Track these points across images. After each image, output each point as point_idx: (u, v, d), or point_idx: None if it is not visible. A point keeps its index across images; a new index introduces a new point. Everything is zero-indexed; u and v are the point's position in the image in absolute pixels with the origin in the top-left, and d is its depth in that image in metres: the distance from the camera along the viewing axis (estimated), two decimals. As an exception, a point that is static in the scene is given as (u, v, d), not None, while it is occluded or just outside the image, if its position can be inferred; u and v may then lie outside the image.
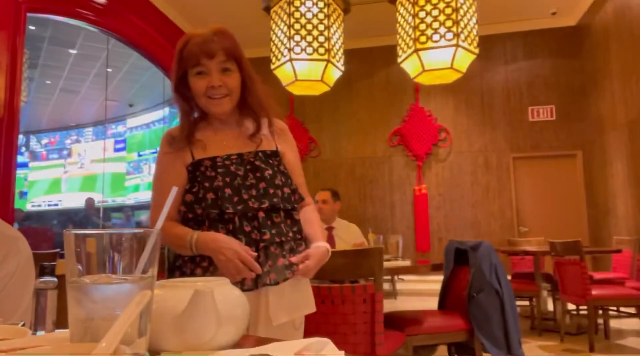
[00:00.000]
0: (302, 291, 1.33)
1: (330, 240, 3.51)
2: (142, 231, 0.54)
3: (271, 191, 1.27)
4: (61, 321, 0.66)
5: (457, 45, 3.94)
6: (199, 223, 1.26)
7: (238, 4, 5.97)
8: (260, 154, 1.33)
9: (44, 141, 11.30)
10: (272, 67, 4.52)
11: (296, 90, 4.65)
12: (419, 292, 6.12)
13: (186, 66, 1.27)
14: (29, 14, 3.90)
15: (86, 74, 8.21)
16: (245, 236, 1.23)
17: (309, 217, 1.41)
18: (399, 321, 2.47)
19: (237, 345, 0.64)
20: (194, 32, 1.30)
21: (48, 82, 8.74)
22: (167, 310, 0.58)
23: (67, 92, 9.07)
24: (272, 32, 4.55)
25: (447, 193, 7.06)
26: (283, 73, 4.44)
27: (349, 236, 3.55)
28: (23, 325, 0.63)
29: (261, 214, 1.25)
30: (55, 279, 0.73)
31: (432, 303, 3.09)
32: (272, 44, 4.54)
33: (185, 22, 6.36)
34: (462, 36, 3.97)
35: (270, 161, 1.33)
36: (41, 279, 0.71)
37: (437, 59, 4.01)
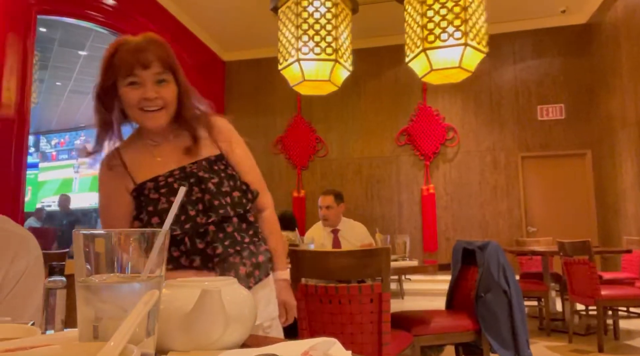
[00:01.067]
0: (268, 294, 1.30)
1: (336, 242, 3.51)
2: (150, 230, 0.54)
3: (216, 202, 1.20)
4: (71, 321, 0.67)
5: (465, 44, 3.92)
6: None
7: (246, 5, 5.99)
8: (204, 162, 1.25)
9: (54, 141, 11.40)
10: (280, 67, 4.53)
11: (304, 90, 4.65)
12: (426, 292, 6.10)
13: (117, 74, 1.19)
14: (39, 16, 3.94)
15: (95, 75, 8.27)
16: (199, 254, 1.19)
17: (268, 229, 1.36)
18: (406, 321, 2.46)
19: (244, 344, 0.64)
20: (124, 38, 1.22)
21: (58, 83, 8.82)
22: (175, 309, 0.58)
23: (76, 93, 9.14)
24: (280, 33, 4.56)
25: (454, 192, 7.03)
26: (291, 73, 4.45)
27: (355, 236, 3.55)
28: (33, 324, 0.64)
29: (212, 228, 1.20)
30: (64, 278, 0.74)
31: (440, 303, 3.08)
32: (280, 44, 4.55)
33: (193, 23, 6.39)
34: (471, 35, 3.95)
35: (216, 167, 1.26)
36: (50, 279, 0.72)
37: (445, 58, 3.99)
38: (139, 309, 0.46)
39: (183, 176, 1.23)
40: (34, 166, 10.51)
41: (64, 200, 8.63)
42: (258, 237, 1.31)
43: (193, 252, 1.18)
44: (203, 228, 1.19)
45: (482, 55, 4.12)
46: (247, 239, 1.26)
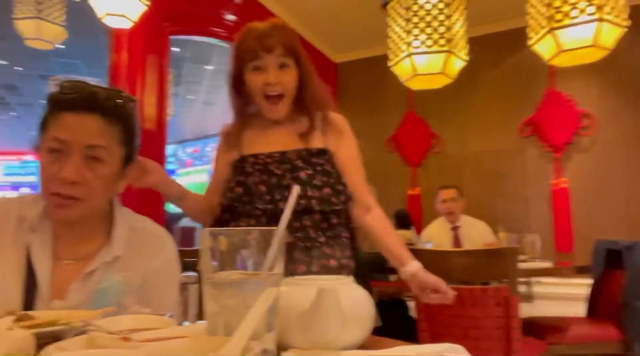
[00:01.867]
0: None
1: (456, 240, 3.37)
2: (268, 229, 0.56)
3: (303, 193, 1.20)
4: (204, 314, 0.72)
5: (600, 20, 3.48)
6: (228, 213, 1.28)
7: (355, 5, 6.03)
8: (304, 152, 1.26)
9: (189, 149, 12.67)
10: (390, 64, 4.47)
11: (416, 85, 4.53)
12: (560, 296, 5.55)
13: (243, 60, 1.25)
14: (171, 37, 4.40)
15: (222, 87, 8.95)
16: None
17: (383, 228, 1.32)
18: (538, 328, 2.26)
19: (362, 346, 0.63)
20: (252, 25, 1.27)
21: (191, 97, 9.76)
22: (293, 307, 0.59)
23: (207, 104, 10.03)
24: (389, 29, 4.50)
25: (591, 186, 6.29)
26: (401, 69, 4.36)
27: (477, 234, 3.38)
28: (171, 316, 0.69)
29: None
30: (196, 274, 0.80)
31: (577, 309, 2.78)
32: (389, 40, 4.49)
33: (306, 29, 6.61)
34: (607, 8, 3.49)
35: (314, 160, 1.26)
36: (184, 275, 0.78)
37: (577, 36, 3.58)
38: (259, 306, 0.47)
39: (281, 160, 1.26)
40: (173, 172, 11.77)
41: None
42: (338, 241, 1.28)
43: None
44: (281, 213, 1.21)
45: (621, 30, 3.62)
46: (322, 239, 1.24)
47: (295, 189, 0.68)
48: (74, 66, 7.73)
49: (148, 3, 3.13)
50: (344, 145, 1.34)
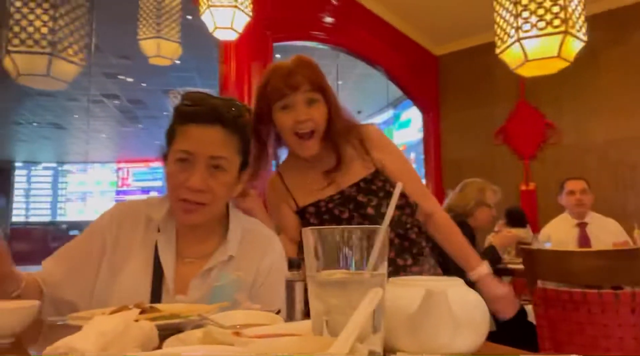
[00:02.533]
0: None
1: (583, 239, 3.06)
2: (370, 228, 0.54)
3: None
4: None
5: None
6: None
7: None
8: (361, 184, 1.24)
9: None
10: (498, 51, 4.20)
11: (527, 71, 4.19)
12: None
13: (270, 100, 1.23)
14: (274, 44, 4.58)
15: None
16: None
17: (444, 232, 1.29)
18: (687, 341, 1.95)
19: (477, 352, 0.59)
20: (276, 64, 1.26)
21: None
22: (399, 308, 0.57)
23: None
24: (495, 14, 4.23)
25: None
26: (511, 55, 4.07)
27: (606, 233, 3.04)
28: (278, 313, 0.71)
29: None
30: (301, 272, 0.81)
31: None
32: (496, 26, 4.22)
33: (405, 24, 6.49)
34: None
35: (374, 187, 1.23)
36: (290, 272, 0.80)
37: None
38: (365, 306, 0.46)
39: (342, 201, 1.25)
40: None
41: None
42: (422, 253, 1.27)
43: None
44: None
45: None
46: (409, 261, 1.23)
47: (399, 186, 0.66)
48: (189, 79, 8.44)
49: (251, 14, 3.29)
50: (389, 157, 1.32)
